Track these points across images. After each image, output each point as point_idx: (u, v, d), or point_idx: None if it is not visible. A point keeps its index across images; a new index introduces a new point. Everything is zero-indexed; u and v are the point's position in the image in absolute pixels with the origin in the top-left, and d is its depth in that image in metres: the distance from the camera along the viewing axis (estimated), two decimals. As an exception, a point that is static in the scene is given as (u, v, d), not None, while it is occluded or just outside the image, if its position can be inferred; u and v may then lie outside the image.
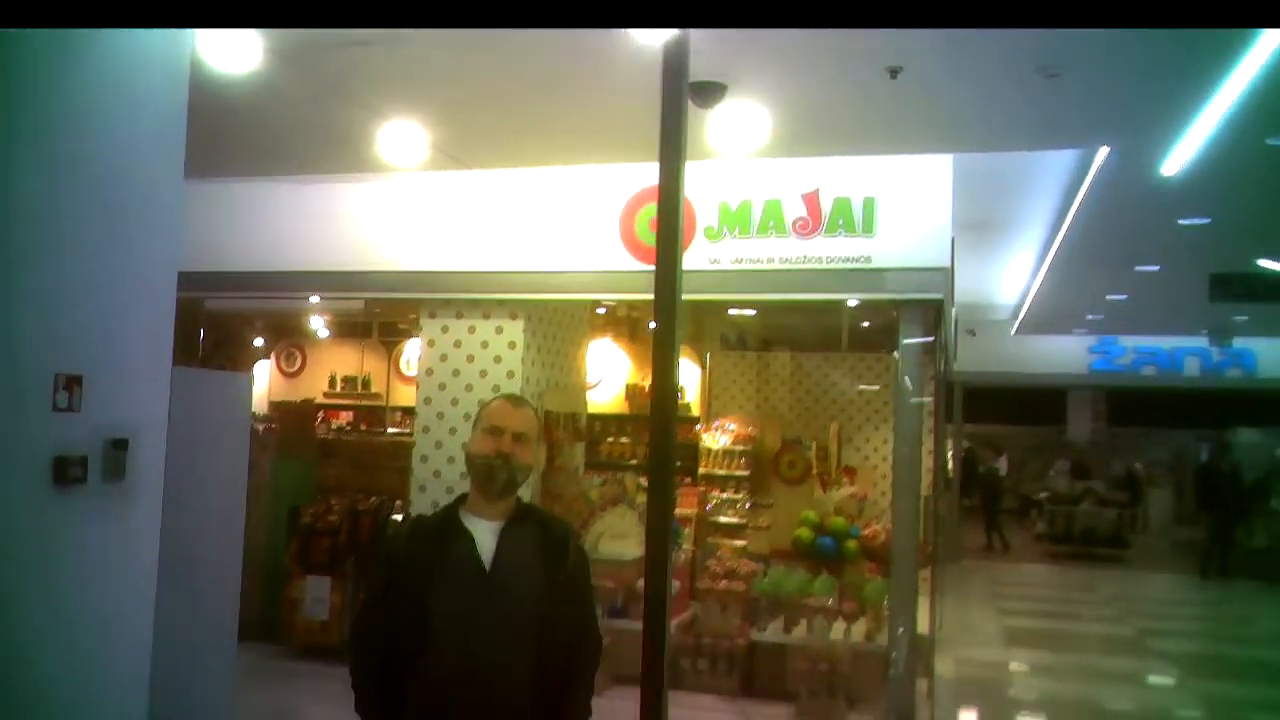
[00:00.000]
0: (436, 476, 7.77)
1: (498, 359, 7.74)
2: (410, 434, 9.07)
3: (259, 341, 13.35)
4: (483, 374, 7.75)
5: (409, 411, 12.19)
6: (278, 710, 6.71)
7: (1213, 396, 17.33)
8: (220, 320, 11.45)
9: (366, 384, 13.08)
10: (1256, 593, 13.86)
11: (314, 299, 9.29)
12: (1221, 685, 8.88)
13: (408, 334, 12.53)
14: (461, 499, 2.80)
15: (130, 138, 3.58)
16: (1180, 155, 6.11)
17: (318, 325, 12.55)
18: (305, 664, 7.67)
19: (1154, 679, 9.00)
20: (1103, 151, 6.37)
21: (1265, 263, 9.25)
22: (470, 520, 2.73)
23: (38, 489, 3.25)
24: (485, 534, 2.70)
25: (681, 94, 3.47)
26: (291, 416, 9.87)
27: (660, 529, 3.16)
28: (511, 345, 7.73)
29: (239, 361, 12.50)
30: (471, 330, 7.80)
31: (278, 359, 13.54)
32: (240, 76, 4.94)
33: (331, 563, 8.07)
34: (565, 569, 2.73)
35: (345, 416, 12.99)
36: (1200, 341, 14.65)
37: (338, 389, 13.19)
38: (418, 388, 8.10)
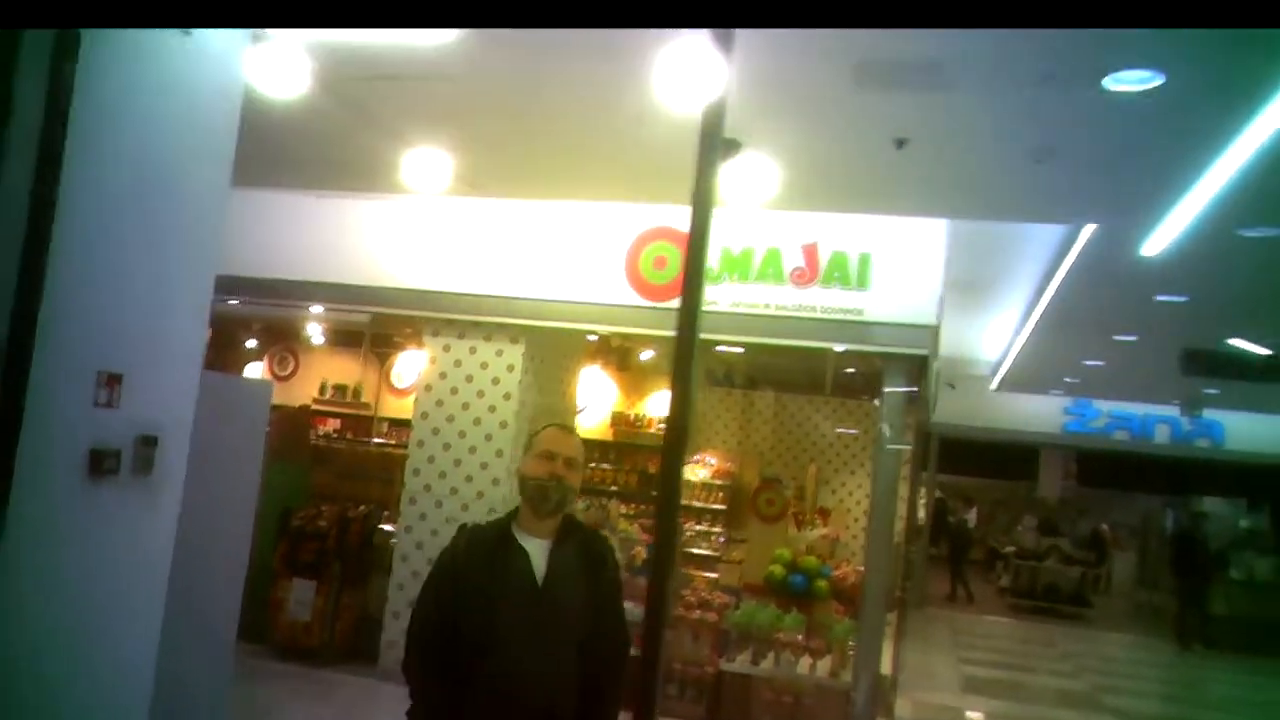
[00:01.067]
0: (427, 490, 7.99)
1: (495, 380, 7.99)
2: (397, 445, 9.28)
3: (252, 343, 13.53)
4: (480, 394, 8.00)
5: (397, 423, 12.41)
6: (261, 709, 6.88)
7: (1180, 464, 17.75)
8: (214, 320, 11.61)
9: (357, 393, 13.27)
10: (1220, 659, 14.18)
11: (317, 309, 9.52)
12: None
13: (401, 347, 12.74)
14: (513, 514, 3.09)
15: (182, 143, 3.77)
16: (1160, 238, 6.45)
17: (313, 332, 12.74)
18: (286, 665, 7.85)
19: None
20: (1089, 228, 6.71)
21: (1235, 342, 9.63)
22: (523, 537, 3.02)
23: (75, 478, 3.46)
24: (537, 550, 2.99)
25: (715, 151, 3.70)
26: (287, 420, 10.04)
27: (663, 561, 3.36)
28: (510, 368, 7.98)
29: (231, 363, 12.67)
30: (472, 351, 8.05)
31: (270, 362, 13.71)
32: (282, 93, 5.20)
33: (317, 566, 8.25)
34: (605, 581, 3.06)
35: (333, 424, 13.16)
36: (1172, 411, 15.05)
37: (328, 395, 13.37)
38: (415, 402, 8.33)
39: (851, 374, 11.72)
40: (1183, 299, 8.26)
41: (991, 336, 12.39)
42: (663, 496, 3.46)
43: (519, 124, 5.69)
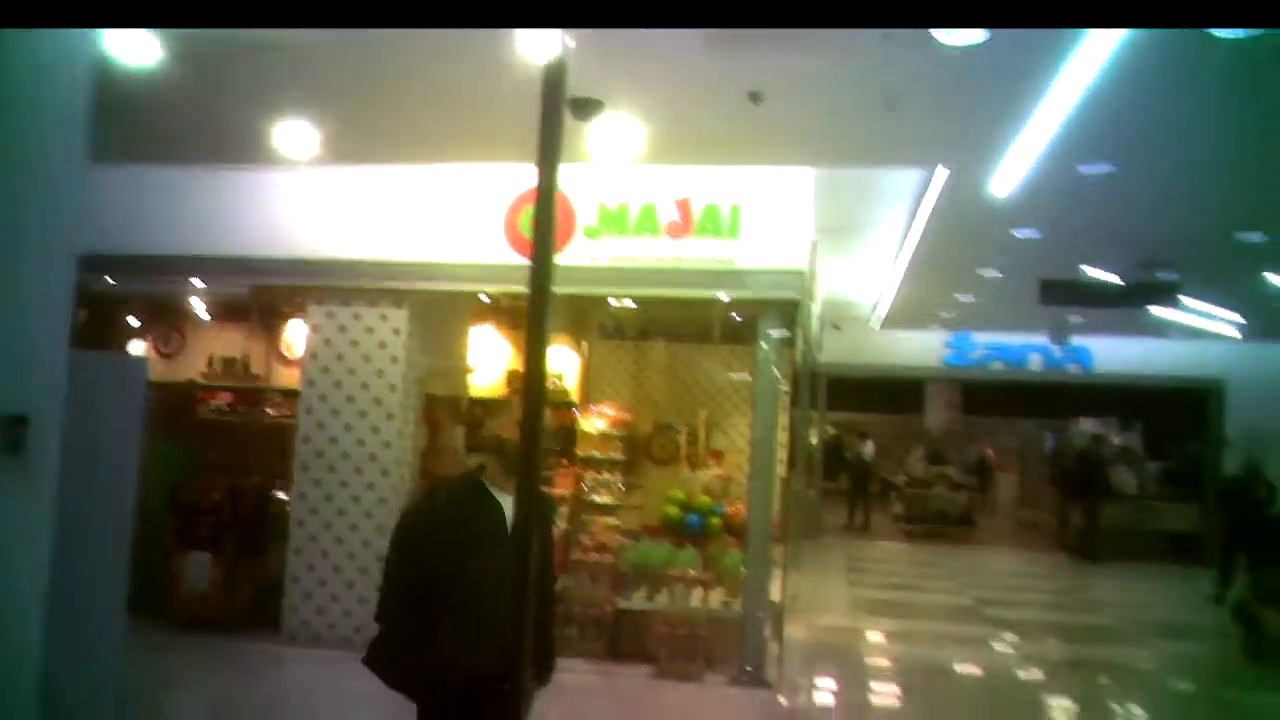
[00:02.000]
0: (319, 456, 8.05)
1: (382, 344, 8.06)
2: (290, 416, 9.27)
3: (133, 321, 13.21)
4: (366, 359, 8.07)
5: (290, 393, 12.28)
6: (161, 681, 6.94)
7: (1054, 390, 18.71)
8: (93, 299, 11.34)
9: (247, 366, 13.08)
10: (1095, 568, 15.12)
11: (198, 283, 9.40)
12: (1044, 646, 9.85)
13: (290, 317, 12.60)
14: (479, 472, 3.45)
15: (33, 123, 3.78)
16: (1008, 177, 6.86)
17: (197, 307, 12.49)
18: (189, 637, 7.88)
19: (985, 641, 9.89)
20: (942, 170, 7.08)
21: (1089, 271, 10.24)
22: (496, 492, 3.44)
23: (-57, 461, 3.49)
24: (508, 504, 3.25)
25: (559, 110, 3.83)
26: (172, 397, 9.94)
27: (527, 506, 3.55)
28: (396, 331, 8.06)
29: (111, 342, 12.37)
30: (356, 316, 8.10)
31: (154, 339, 13.42)
32: (139, 69, 5.17)
33: (213, 539, 8.28)
34: (548, 533, 3.53)
35: (224, 398, 12.97)
36: (1043, 339, 15.84)
37: (216, 370, 13.16)
38: (302, 371, 8.35)
39: (738, 321, 12.05)
40: (1036, 233, 8.75)
41: (870, 278, 12.86)
42: (525, 448, 3.66)
43: (378, 92, 5.75)
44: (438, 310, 8.54)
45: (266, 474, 8.78)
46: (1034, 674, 8.66)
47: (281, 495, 8.58)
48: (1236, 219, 8.12)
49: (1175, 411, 18.12)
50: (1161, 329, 14.53)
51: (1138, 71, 4.77)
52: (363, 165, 7.88)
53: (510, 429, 3.36)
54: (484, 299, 10.26)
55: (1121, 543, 15.97)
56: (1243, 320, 13.62)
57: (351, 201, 8.05)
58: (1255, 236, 8.52)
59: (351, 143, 7.00)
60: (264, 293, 9.35)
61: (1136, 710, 7.79)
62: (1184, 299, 10.95)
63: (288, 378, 12.49)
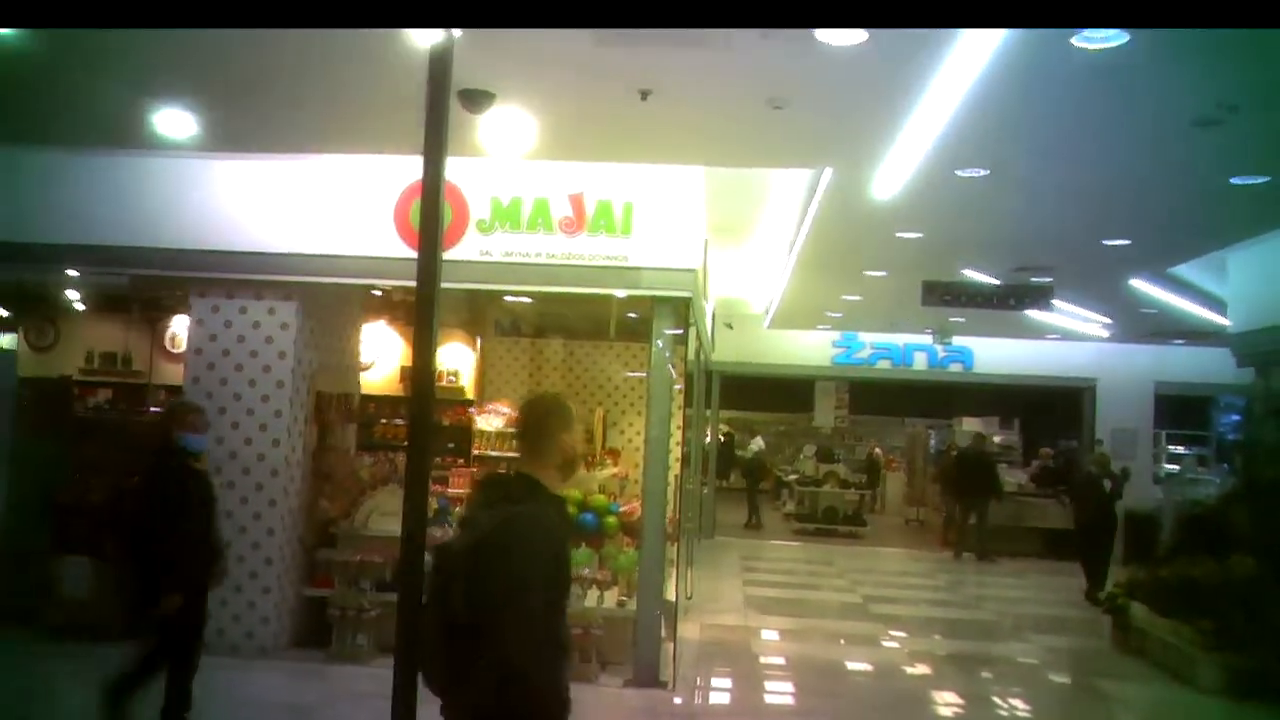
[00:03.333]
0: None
1: (269, 339, 7.90)
2: (175, 413, 8.98)
3: (2, 312, 12.65)
4: (253, 354, 7.89)
5: (174, 390, 11.94)
6: (29, 692, 6.68)
7: (938, 389, 19.35)
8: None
9: (128, 361, 12.67)
10: (978, 565, 15.66)
11: (74, 274, 9.06)
12: (929, 642, 10.20)
13: (173, 310, 12.24)
14: (537, 484, 3.10)
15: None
16: (890, 179, 7.08)
17: (74, 298, 12.04)
18: (65, 645, 7.55)
19: (874, 637, 10.19)
20: (828, 171, 7.27)
21: (969, 273, 10.65)
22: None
23: None
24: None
25: (446, 98, 3.83)
26: (45, 394, 9.52)
27: (416, 506, 3.53)
28: (284, 326, 7.90)
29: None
30: (243, 310, 7.92)
31: (26, 333, 12.88)
32: (5, 44, 4.98)
33: (92, 543, 7.97)
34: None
35: (103, 394, 12.53)
36: (926, 339, 16.36)
37: (95, 365, 12.71)
38: (186, 367, 8.12)
39: (634, 319, 12.15)
40: (918, 235, 9.05)
41: (761, 278, 13.11)
42: (413, 446, 3.64)
43: (262, 78, 5.64)
44: (329, 304, 8.41)
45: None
46: (920, 669, 8.95)
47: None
48: (1105, 226, 8.54)
49: (1052, 409, 18.94)
50: (1037, 330, 15.19)
51: (1012, 80, 4.99)
52: (251, 155, 7.71)
53: (577, 440, 3.24)
54: (377, 293, 10.16)
55: (1002, 539, 16.59)
56: (1111, 322, 14.33)
57: (239, 191, 7.86)
58: (1122, 242, 8.97)
59: (238, 131, 6.84)
60: (146, 285, 9.07)
61: (1017, 703, 8.11)
62: (1057, 301, 11.45)
63: (172, 374, 12.14)
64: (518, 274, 7.77)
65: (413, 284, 3.55)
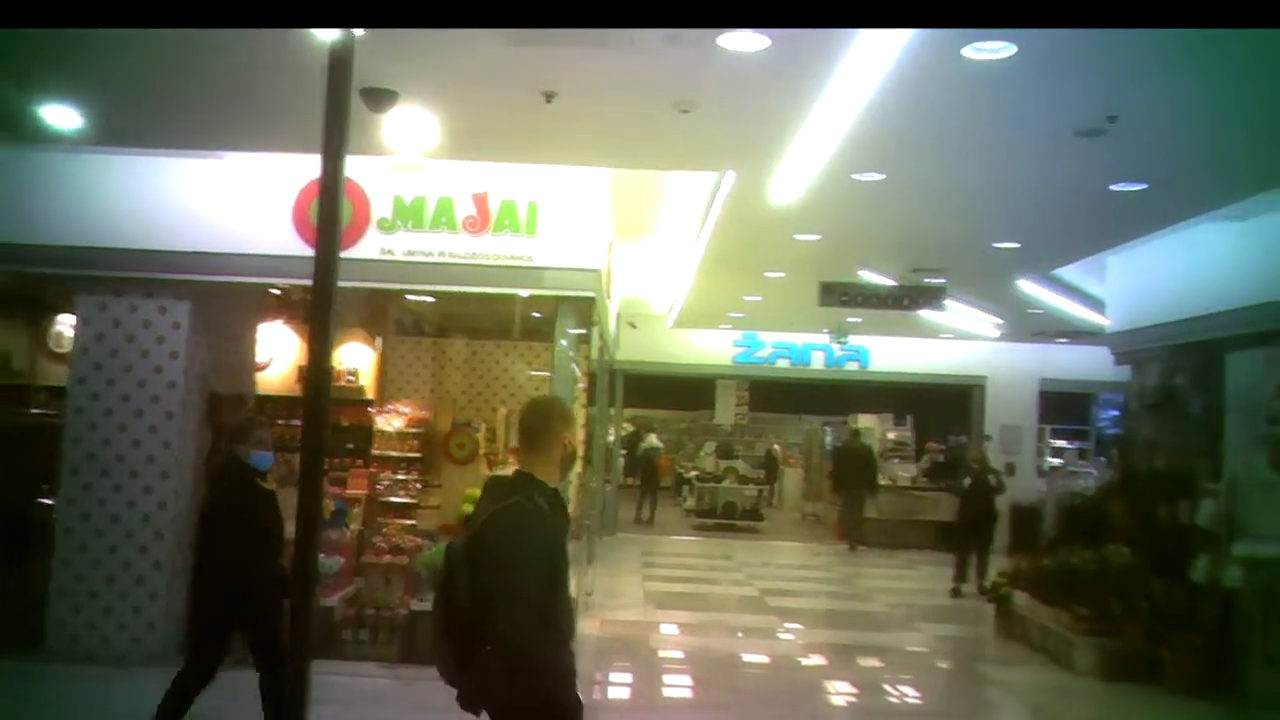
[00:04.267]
0: (91, 459, 7.57)
1: (160, 339, 7.66)
2: (59, 416, 8.64)
3: None
4: (144, 354, 7.64)
5: (58, 391, 11.45)
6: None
7: (835, 386, 19.81)
8: None
9: (8, 361, 12.10)
10: (872, 556, 16.12)
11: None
12: (823, 633, 10.45)
13: (58, 309, 11.74)
14: (533, 479, 3.34)
15: None
16: (790, 184, 7.23)
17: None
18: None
19: (771, 630, 10.39)
20: (730, 174, 7.39)
21: (865, 274, 10.94)
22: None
23: None
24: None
25: (346, 96, 3.77)
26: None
27: (309, 508, 3.47)
28: (176, 325, 7.68)
29: None
30: (133, 309, 7.66)
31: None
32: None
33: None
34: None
35: (-22, 396, 11.93)
36: (824, 339, 16.73)
37: (-31, 366, 12.09)
38: (71, 367, 7.82)
39: (537, 318, 12.14)
40: (817, 238, 9.26)
41: (664, 278, 13.22)
42: (307, 447, 3.58)
43: (165, 72, 5.48)
44: (224, 303, 8.18)
45: (30, 479, 8.15)
46: (815, 659, 9.17)
47: (47, 501, 8.00)
48: (995, 229, 8.87)
49: (944, 406, 19.55)
50: (931, 330, 15.67)
51: (906, 89, 5.15)
52: (142, 150, 7.46)
53: (575, 439, 3.43)
54: (275, 292, 9.94)
55: (894, 532, 17.10)
56: (999, 322, 14.87)
57: (130, 187, 7.59)
58: (1010, 245, 9.33)
59: (130, 127, 6.62)
60: (28, 282, 8.70)
61: (906, 689, 8.38)
62: (949, 302, 11.84)
63: (57, 375, 11.64)
64: (420, 273, 7.69)
65: (310, 282, 3.47)
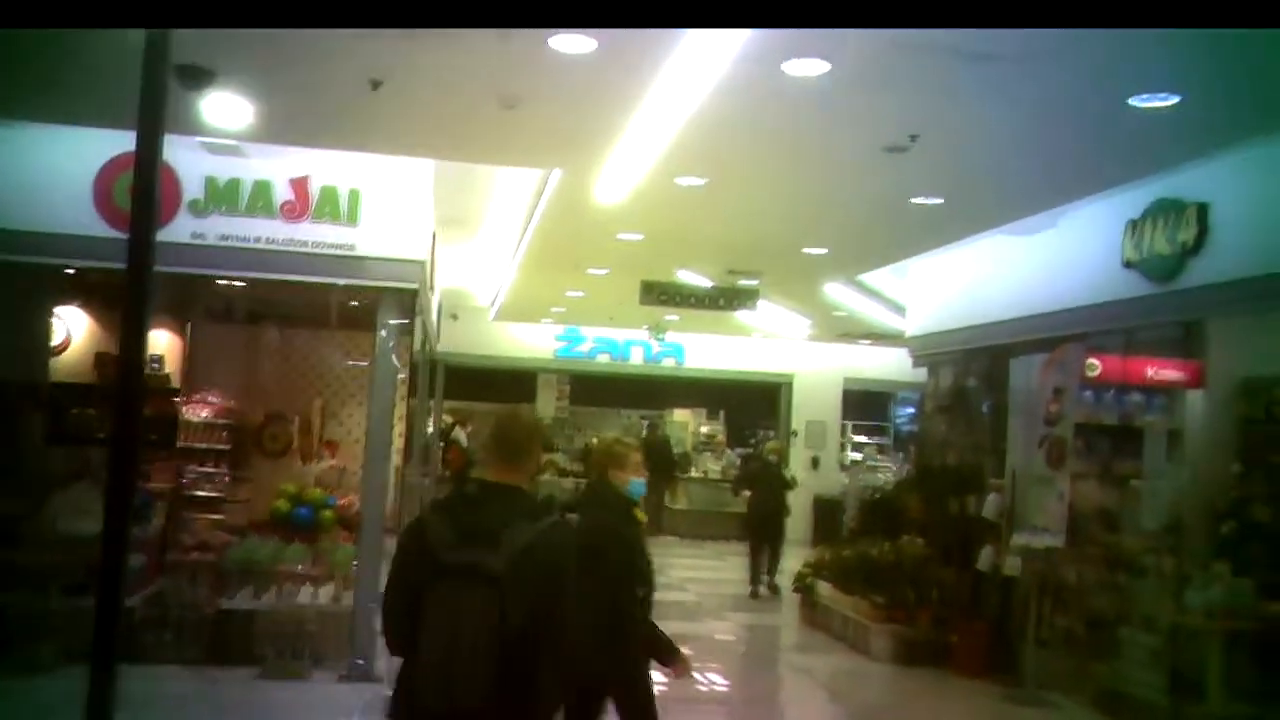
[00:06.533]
0: None
1: (-63, 321, 7.10)
2: None
3: None
4: (-79, 336, 7.07)
5: None
6: None
7: (653, 381, 20.26)
8: None
9: None
10: (674, 544, 16.59)
11: None
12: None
13: None
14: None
15: None
16: (614, 183, 7.39)
17: None
18: None
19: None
20: (557, 172, 7.48)
21: (684, 275, 11.26)
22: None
23: None
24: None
25: (162, 73, 3.63)
26: None
27: (119, 504, 3.33)
28: (-44, 307, 7.14)
29: None
30: (-96, 288, 7.07)
31: None
32: None
33: None
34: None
35: None
36: (643, 335, 17.08)
37: None
38: None
39: (356, 307, 11.84)
40: (639, 237, 9.47)
41: (488, 271, 13.19)
42: (118, 438, 3.44)
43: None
44: (13, 284, 7.64)
45: None
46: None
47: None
48: (807, 236, 9.32)
49: (754, 402, 20.30)
50: (744, 329, 16.24)
51: (729, 99, 5.36)
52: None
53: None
54: (70, 273, 9.33)
55: (704, 522, 17.66)
56: (808, 323, 15.57)
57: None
58: (820, 251, 9.82)
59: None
60: None
61: (714, 676, 8.69)
62: (762, 303, 12.32)
63: None
64: (234, 259, 7.42)
65: (113, 265, 3.33)
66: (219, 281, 10.98)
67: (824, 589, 10.58)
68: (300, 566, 7.86)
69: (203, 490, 10.62)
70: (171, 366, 12.14)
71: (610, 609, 4.32)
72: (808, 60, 4.81)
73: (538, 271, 11.64)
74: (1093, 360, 7.81)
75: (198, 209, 7.29)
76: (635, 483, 5.06)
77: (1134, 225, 7.49)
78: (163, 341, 12.16)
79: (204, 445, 11.20)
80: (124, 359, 3.43)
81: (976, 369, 10.08)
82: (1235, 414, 7.62)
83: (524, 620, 2.95)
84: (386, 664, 7.61)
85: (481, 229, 10.51)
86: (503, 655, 2.94)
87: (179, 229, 7.21)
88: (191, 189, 7.27)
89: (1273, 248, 6.26)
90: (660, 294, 11.10)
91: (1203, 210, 6.84)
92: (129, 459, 3.45)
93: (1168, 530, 7.69)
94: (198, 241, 7.29)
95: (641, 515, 4.80)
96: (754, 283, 11.42)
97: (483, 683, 2.96)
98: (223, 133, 6.34)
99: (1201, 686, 6.77)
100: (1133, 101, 5.13)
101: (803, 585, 10.96)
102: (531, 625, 2.95)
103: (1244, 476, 7.48)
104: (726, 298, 11.43)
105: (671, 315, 14.37)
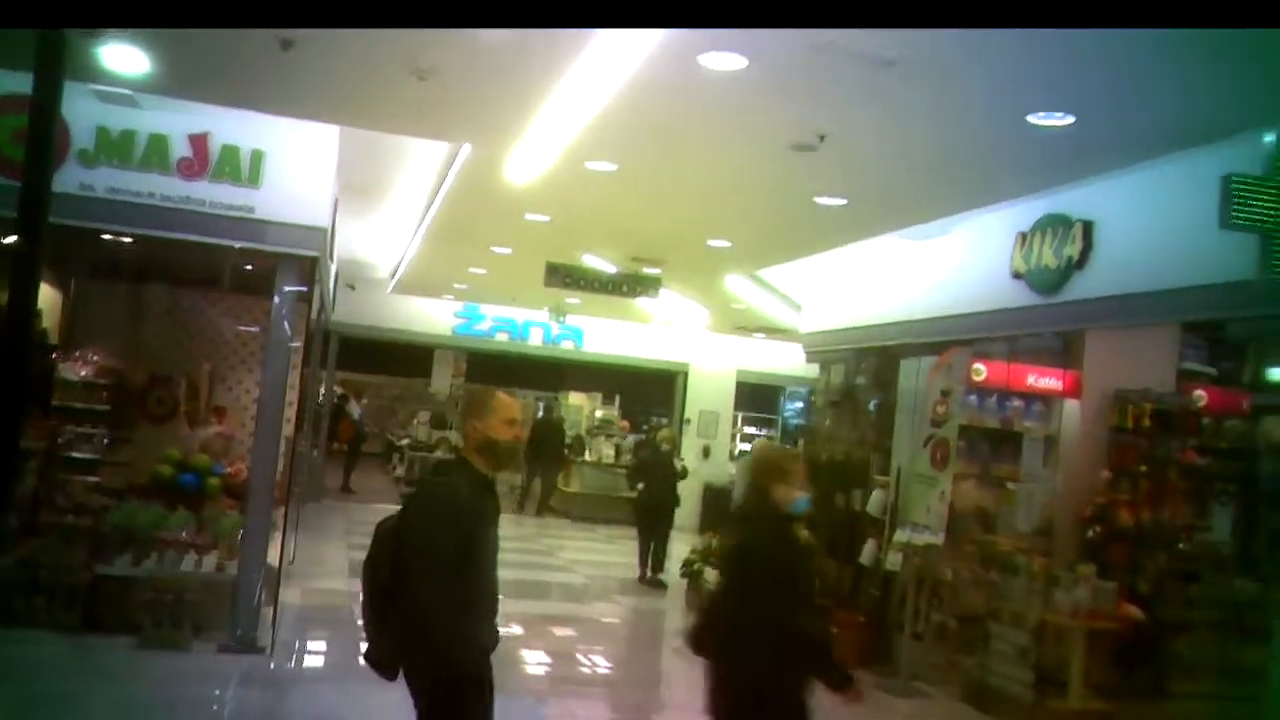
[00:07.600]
0: None
1: None
2: None
3: None
4: None
5: None
6: None
7: (551, 363, 20.24)
8: None
9: None
10: (567, 526, 16.68)
11: None
12: (523, 604, 10.70)
13: None
14: (467, 465, 3.72)
15: None
16: (524, 163, 7.36)
17: None
18: None
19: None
20: (466, 147, 7.41)
21: (589, 259, 11.28)
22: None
23: None
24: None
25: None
26: None
27: (3, 460, 3.24)
28: None
29: None
30: None
31: None
32: None
33: None
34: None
35: None
36: (543, 316, 17.04)
37: None
38: None
39: (250, 271, 11.53)
40: (546, 219, 9.46)
41: (389, 242, 12.98)
42: (5, 394, 3.34)
43: None
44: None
45: None
46: (513, 629, 9.37)
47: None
48: (711, 228, 9.43)
49: (650, 389, 20.45)
50: (643, 317, 16.35)
51: (643, 87, 5.40)
52: None
53: (504, 430, 3.70)
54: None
55: (596, 506, 17.75)
56: (706, 314, 15.76)
57: None
58: (723, 244, 9.95)
59: None
60: None
61: (598, 658, 8.80)
62: (664, 291, 12.42)
63: None
64: (125, 214, 7.17)
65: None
66: (105, 237, 10.63)
67: (710, 575, 10.74)
68: (184, 534, 7.66)
69: (79, 452, 10.24)
70: (49, 322, 11.61)
71: (774, 633, 3.91)
72: (726, 54, 4.89)
73: (442, 246, 11.51)
74: (979, 365, 8.09)
75: (87, 159, 7.02)
76: (799, 499, 4.45)
77: (1024, 237, 7.83)
78: (41, 296, 11.63)
79: (82, 405, 10.78)
80: (13, 314, 3.33)
81: (867, 367, 10.36)
82: (1107, 424, 8.00)
83: (389, 572, 3.82)
84: (272, 634, 7.50)
85: (386, 198, 10.35)
86: (378, 600, 3.92)
87: (66, 179, 6.88)
88: (81, 139, 6.99)
89: (1150, 266, 6.63)
90: (565, 276, 11.10)
91: (1088, 227, 7.19)
92: (11, 418, 3.36)
93: (1039, 532, 8.05)
94: (85, 193, 7.02)
95: (807, 537, 4.67)
96: (657, 271, 11.52)
97: (367, 624, 3.95)
98: (120, 80, 6.12)
99: (1064, 682, 7.13)
100: (1031, 118, 5.36)
101: (690, 571, 11.12)
102: (396, 578, 3.76)
103: (1112, 484, 7.87)
104: (630, 284, 11.50)
105: (574, 299, 14.38)
